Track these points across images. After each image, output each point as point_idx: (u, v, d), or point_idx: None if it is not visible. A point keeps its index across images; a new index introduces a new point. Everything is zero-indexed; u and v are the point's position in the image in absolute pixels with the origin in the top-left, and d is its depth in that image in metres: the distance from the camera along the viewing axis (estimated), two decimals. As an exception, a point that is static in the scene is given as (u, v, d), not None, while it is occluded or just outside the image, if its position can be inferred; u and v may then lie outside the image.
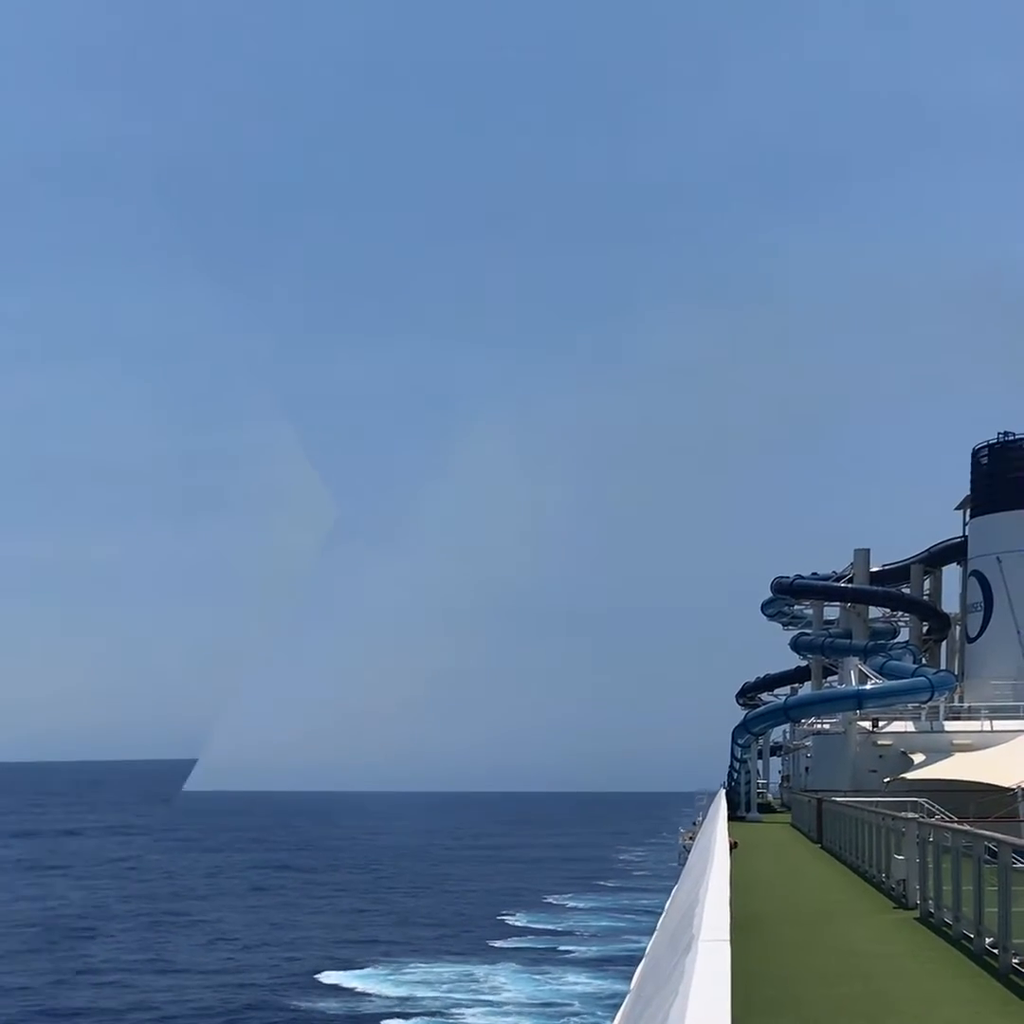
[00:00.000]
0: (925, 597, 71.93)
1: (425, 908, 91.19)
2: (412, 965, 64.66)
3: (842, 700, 58.13)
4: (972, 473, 63.62)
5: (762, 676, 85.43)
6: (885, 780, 50.23)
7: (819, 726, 64.35)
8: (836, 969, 16.54)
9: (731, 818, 47.41)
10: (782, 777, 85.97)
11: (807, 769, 68.88)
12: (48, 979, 59.96)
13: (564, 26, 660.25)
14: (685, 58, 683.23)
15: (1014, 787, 43.26)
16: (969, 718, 56.33)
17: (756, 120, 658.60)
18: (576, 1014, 52.58)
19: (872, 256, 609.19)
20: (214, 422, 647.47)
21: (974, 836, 18.57)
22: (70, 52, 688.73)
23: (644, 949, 23.88)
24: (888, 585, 72.14)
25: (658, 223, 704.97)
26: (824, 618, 75.61)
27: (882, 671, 59.15)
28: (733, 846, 30.33)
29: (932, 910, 20.79)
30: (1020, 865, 16.72)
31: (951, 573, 70.22)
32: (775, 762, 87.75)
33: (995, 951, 16.10)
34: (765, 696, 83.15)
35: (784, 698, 71.18)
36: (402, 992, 57.26)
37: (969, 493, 64.37)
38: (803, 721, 65.87)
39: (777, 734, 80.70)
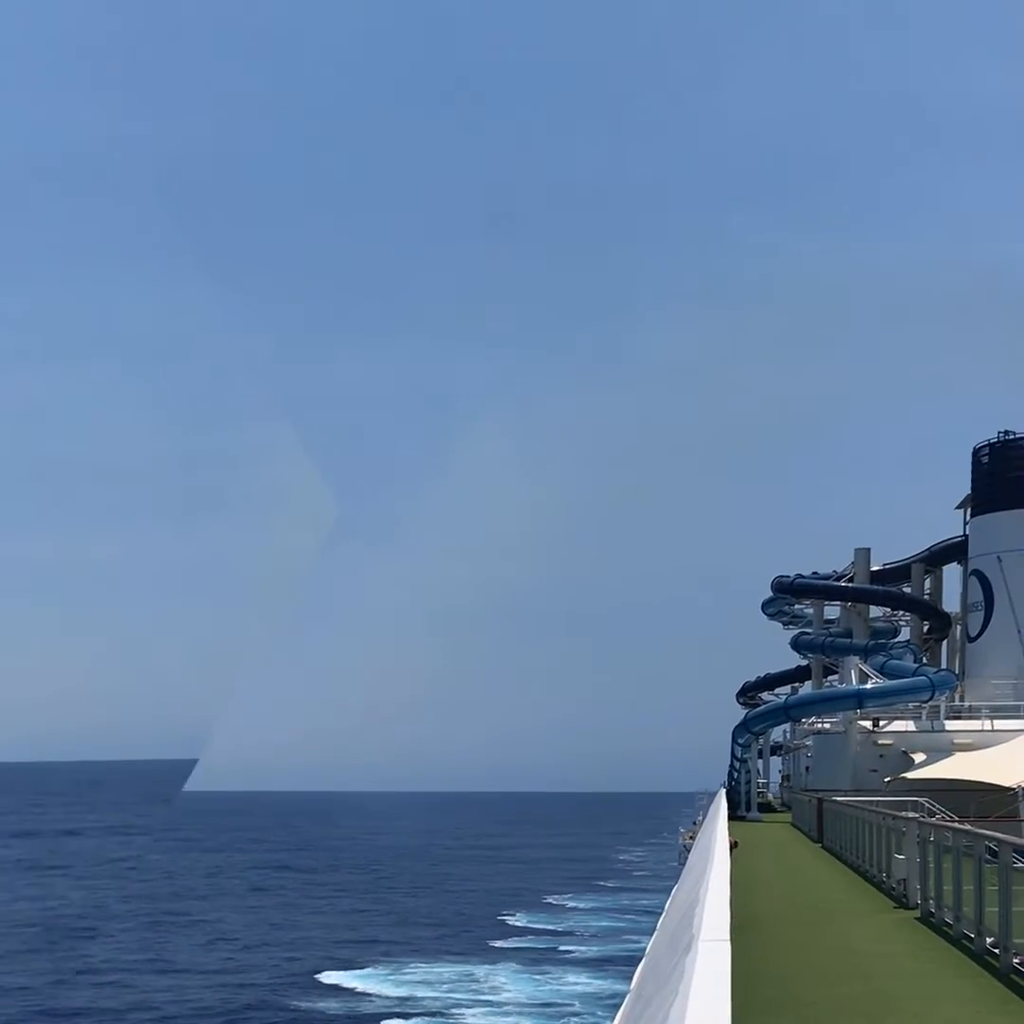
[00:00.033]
0: (926, 596, 71.93)
1: (425, 908, 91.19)
2: (412, 965, 64.62)
3: (843, 699, 58.18)
4: (972, 472, 63.65)
5: (762, 675, 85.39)
6: (886, 779, 50.22)
7: (819, 725, 64.32)
8: (836, 969, 16.51)
9: (731, 818, 47.37)
10: (782, 777, 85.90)
11: (807, 768, 68.86)
12: (48, 979, 59.92)
13: (564, 26, 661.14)
14: (685, 58, 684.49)
15: (1015, 787, 43.27)
16: (970, 717, 56.35)
17: (756, 120, 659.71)
18: (576, 1014, 52.53)
19: (872, 256, 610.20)
20: (214, 422, 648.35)
21: (975, 836, 18.55)
22: (70, 52, 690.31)
23: (644, 949, 23.87)
24: (889, 584, 72.13)
25: (658, 223, 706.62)
26: (824, 617, 75.57)
27: (883, 670, 59.17)
28: (733, 846, 30.30)
29: (933, 910, 20.76)
30: (1021, 865, 16.69)
31: (952, 572, 70.28)
32: (775, 762, 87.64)
33: (996, 951, 16.07)
34: (765, 695, 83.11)
35: (784, 697, 71.17)
36: (402, 992, 57.23)
37: (969, 492, 64.40)
38: (803, 720, 65.81)
39: (777, 733, 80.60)
